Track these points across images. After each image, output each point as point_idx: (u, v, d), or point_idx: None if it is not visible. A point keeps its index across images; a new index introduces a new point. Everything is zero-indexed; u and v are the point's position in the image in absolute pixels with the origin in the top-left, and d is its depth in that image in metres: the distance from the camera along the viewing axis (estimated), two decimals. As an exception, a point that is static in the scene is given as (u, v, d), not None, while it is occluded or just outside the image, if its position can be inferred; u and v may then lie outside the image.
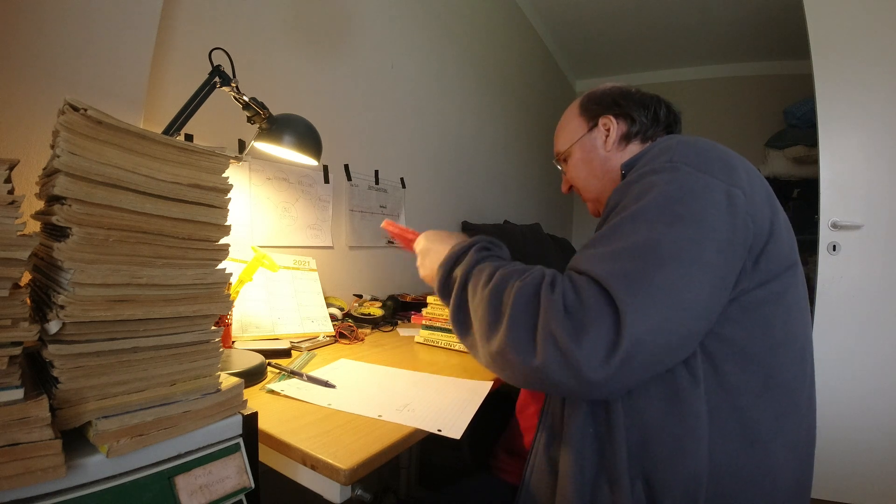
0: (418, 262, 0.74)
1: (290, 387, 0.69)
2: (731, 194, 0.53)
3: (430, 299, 1.08)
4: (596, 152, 0.80)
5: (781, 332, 0.55)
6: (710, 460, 0.51)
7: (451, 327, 0.89)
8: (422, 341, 1.07)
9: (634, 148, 0.77)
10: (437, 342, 1.05)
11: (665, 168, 0.56)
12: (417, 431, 0.58)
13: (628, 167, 0.65)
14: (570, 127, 0.84)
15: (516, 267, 0.58)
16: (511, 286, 0.54)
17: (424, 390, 0.72)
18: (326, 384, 0.71)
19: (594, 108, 0.81)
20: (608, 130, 0.78)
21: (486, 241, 0.66)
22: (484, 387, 0.75)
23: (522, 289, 0.53)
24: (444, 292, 0.63)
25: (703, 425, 0.51)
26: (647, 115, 0.76)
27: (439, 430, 0.57)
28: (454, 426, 0.59)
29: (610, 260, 0.51)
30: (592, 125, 0.80)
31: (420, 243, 0.75)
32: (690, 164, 0.56)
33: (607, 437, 0.54)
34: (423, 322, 1.08)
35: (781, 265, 0.55)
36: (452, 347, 1.03)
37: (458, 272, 0.61)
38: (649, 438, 0.52)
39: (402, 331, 1.21)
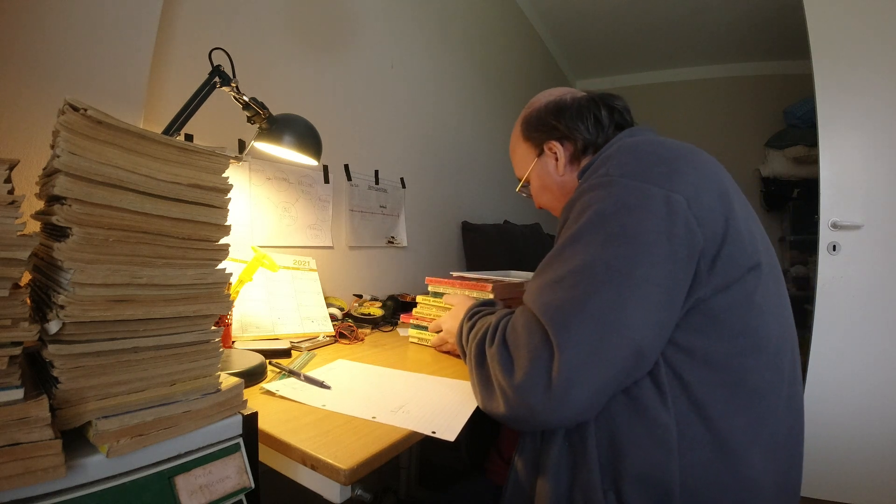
0: (451, 340, 0.90)
1: (286, 387, 0.69)
2: (670, 201, 0.51)
3: (419, 299, 1.07)
4: (551, 178, 0.78)
5: (751, 337, 0.53)
6: (682, 471, 0.50)
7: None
8: (416, 341, 1.07)
9: (588, 160, 0.74)
10: (429, 341, 1.04)
11: (601, 183, 0.56)
12: (415, 433, 0.58)
13: (583, 173, 0.65)
14: (520, 153, 0.83)
15: (477, 326, 0.66)
16: (471, 351, 0.63)
17: (421, 391, 0.72)
18: (322, 385, 0.71)
19: (535, 136, 0.79)
20: (555, 154, 0.76)
21: (472, 309, 0.75)
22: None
23: (476, 349, 0.62)
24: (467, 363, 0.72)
25: (671, 436, 0.50)
26: (587, 126, 0.73)
27: (433, 433, 0.57)
28: (449, 428, 0.58)
29: (547, 291, 0.53)
30: (539, 152, 0.79)
31: (444, 327, 0.93)
32: (627, 175, 0.55)
33: (580, 449, 0.54)
34: (412, 321, 1.07)
35: (742, 267, 0.53)
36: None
37: (463, 346, 0.71)
38: (618, 450, 0.52)
39: (402, 331, 1.21)
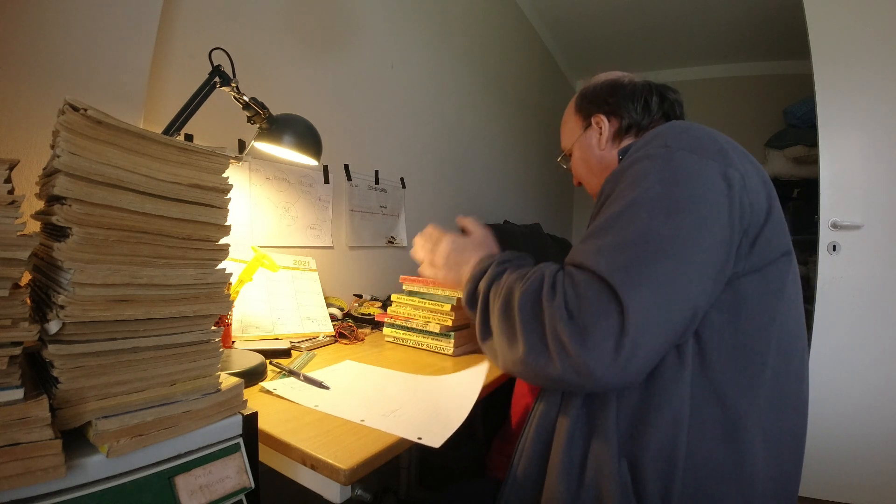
0: (438, 263, 0.75)
1: (284, 386, 0.69)
2: (727, 176, 0.52)
3: (394, 297, 1.07)
4: (592, 151, 0.82)
5: (777, 327, 0.54)
6: (688, 448, 0.51)
7: (411, 326, 1.00)
8: (392, 340, 1.06)
9: (629, 141, 0.77)
10: (406, 341, 1.04)
11: (659, 154, 0.55)
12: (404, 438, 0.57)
13: (624, 152, 0.63)
14: (569, 125, 0.87)
15: (522, 272, 0.59)
16: (514, 297, 0.56)
17: (420, 395, 0.72)
18: (321, 385, 0.71)
19: (587, 108, 0.83)
20: (601, 128, 0.80)
21: (508, 254, 0.68)
22: (479, 373, 0.75)
23: (524, 297, 0.55)
24: (471, 305, 0.65)
25: (683, 412, 0.51)
26: (636, 107, 0.77)
27: (419, 439, 0.56)
28: (437, 434, 0.56)
29: (610, 253, 0.51)
30: (587, 124, 0.82)
31: (444, 244, 0.76)
32: (685, 148, 0.55)
33: (600, 418, 0.54)
34: (387, 320, 1.07)
35: (777, 251, 0.55)
36: (420, 347, 1.02)
37: (482, 286, 0.63)
38: (635, 422, 0.53)
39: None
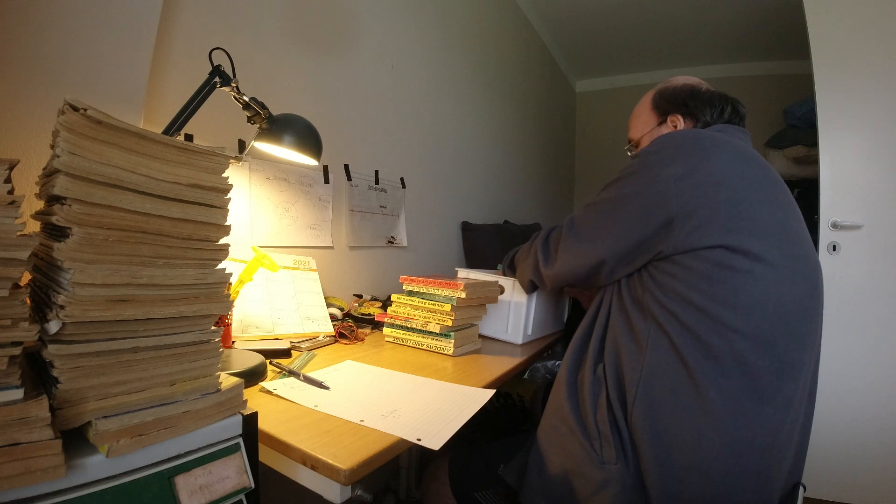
0: None
1: (284, 386, 0.69)
2: (657, 174, 0.69)
3: (394, 297, 1.07)
4: None
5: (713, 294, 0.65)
6: (644, 367, 0.67)
7: (411, 326, 1.06)
8: (391, 340, 1.07)
9: None
10: (406, 341, 1.05)
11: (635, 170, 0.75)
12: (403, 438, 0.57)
13: None
14: (643, 118, 0.94)
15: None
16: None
17: (419, 396, 0.71)
18: (321, 385, 0.71)
19: (664, 106, 0.90)
20: (675, 127, 0.87)
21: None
22: (483, 395, 0.73)
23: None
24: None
25: (642, 344, 0.67)
26: (712, 113, 0.84)
27: (419, 440, 0.56)
28: (436, 436, 0.56)
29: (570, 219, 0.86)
30: (661, 120, 0.90)
31: None
32: (649, 152, 0.73)
33: (593, 335, 0.77)
34: (387, 320, 1.07)
35: (708, 241, 0.65)
36: (420, 347, 1.02)
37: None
38: (612, 344, 0.72)
39: (402, 331, 1.21)
